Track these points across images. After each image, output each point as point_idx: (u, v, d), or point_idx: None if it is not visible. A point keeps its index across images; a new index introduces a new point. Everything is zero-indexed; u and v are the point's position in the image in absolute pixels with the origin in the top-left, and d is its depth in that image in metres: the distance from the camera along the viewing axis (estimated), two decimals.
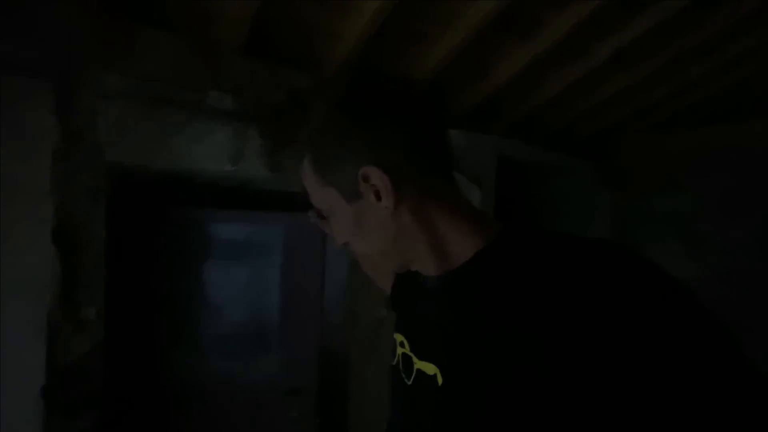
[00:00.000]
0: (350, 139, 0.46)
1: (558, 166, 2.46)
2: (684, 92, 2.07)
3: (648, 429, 0.36)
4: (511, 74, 1.68)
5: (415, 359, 0.54)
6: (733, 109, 2.25)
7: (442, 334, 0.50)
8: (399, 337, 0.59)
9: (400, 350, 0.58)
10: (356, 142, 0.46)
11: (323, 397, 1.61)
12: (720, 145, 2.27)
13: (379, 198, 0.45)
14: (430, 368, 0.50)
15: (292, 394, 1.52)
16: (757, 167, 2.15)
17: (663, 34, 1.58)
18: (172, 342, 1.33)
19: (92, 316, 1.04)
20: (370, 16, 1.23)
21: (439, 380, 0.49)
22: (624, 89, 1.96)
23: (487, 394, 0.43)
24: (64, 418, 1.01)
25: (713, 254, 2.24)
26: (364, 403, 1.57)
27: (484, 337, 0.45)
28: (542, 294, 0.41)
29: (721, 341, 0.37)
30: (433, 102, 0.50)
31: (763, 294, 2.10)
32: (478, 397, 0.44)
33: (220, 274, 1.45)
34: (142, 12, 1.11)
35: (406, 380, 0.54)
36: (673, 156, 2.42)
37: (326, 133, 0.48)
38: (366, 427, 1.57)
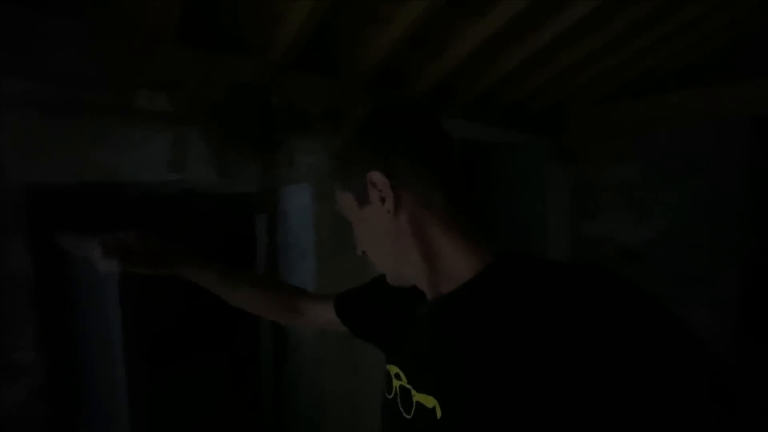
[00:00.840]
0: (364, 148, 0.53)
1: (513, 143, 2.50)
2: (629, 64, 2.14)
3: None
4: (466, 53, 1.64)
5: (413, 392, 0.52)
6: (675, 78, 2.37)
7: (438, 364, 0.50)
8: (393, 369, 0.57)
9: (396, 383, 0.56)
10: (367, 150, 0.53)
11: None
12: (663, 114, 2.40)
13: (383, 202, 0.51)
14: (429, 401, 0.49)
15: None
16: (697, 133, 2.30)
17: (609, 8, 1.60)
18: None
19: (28, 358, 0.91)
20: None
21: (438, 413, 0.48)
22: (572, 63, 1.99)
23: (486, 425, 0.43)
24: None
25: (658, 218, 2.40)
26: None
27: (480, 366, 0.45)
28: (535, 321, 0.42)
29: (689, 349, 0.40)
30: (440, 126, 0.55)
31: (701, 247, 2.30)
32: (477, 429, 0.44)
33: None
34: None
35: (405, 414, 0.53)
36: (619, 127, 2.53)
37: (346, 143, 0.55)
38: None
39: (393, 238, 0.53)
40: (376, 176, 0.51)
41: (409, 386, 0.54)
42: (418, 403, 0.51)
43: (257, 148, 1.26)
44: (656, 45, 1.99)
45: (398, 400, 0.55)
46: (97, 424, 0.96)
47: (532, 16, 1.57)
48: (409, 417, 0.52)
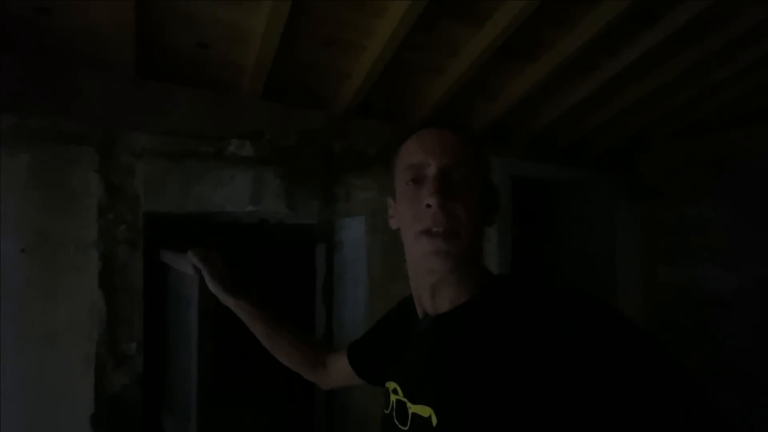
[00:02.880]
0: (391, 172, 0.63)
1: (575, 181, 2.42)
2: (703, 98, 2.01)
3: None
4: (518, 96, 1.71)
5: (409, 404, 0.56)
6: (756, 113, 2.15)
7: (435, 375, 0.54)
8: (391, 385, 0.61)
9: (393, 397, 0.60)
10: (392, 174, 0.63)
11: None
12: (749, 149, 2.17)
13: (390, 221, 0.62)
14: (424, 410, 0.53)
15: None
16: None
17: (675, 43, 1.57)
18: None
19: (132, 350, 1.14)
20: (377, 54, 1.31)
21: (434, 421, 0.51)
22: (638, 99, 1.93)
23: (480, 428, 0.47)
24: None
25: (748, 263, 2.12)
26: None
27: (474, 374, 0.50)
28: (524, 332, 0.48)
29: (658, 354, 0.45)
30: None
31: None
32: None
33: None
34: (170, 70, 1.24)
35: (401, 426, 0.56)
36: (696, 163, 2.33)
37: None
38: None
39: (405, 249, 0.60)
40: (390, 201, 0.63)
41: (404, 399, 0.57)
42: (413, 414, 0.54)
43: (320, 185, 1.46)
44: (736, 77, 1.86)
45: (394, 413, 0.58)
46: (176, 415, 1.15)
47: (589, 56, 1.60)
48: (405, 428, 0.55)
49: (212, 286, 0.86)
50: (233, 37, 1.20)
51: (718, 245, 2.22)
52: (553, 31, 1.44)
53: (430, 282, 0.57)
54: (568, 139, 2.24)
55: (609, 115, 2.06)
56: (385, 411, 0.61)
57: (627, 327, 0.46)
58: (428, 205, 0.52)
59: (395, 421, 0.57)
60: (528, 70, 1.62)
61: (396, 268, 1.52)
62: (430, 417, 0.52)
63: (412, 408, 0.55)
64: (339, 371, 0.83)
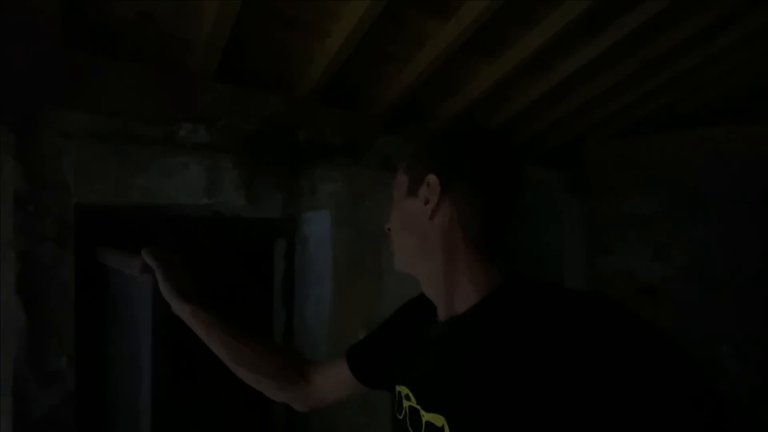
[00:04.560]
0: (439, 154, 0.58)
1: (527, 177, 2.53)
2: (644, 101, 2.19)
3: None
4: (480, 91, 1.73)
5: (422, 412, 0.54)
6: (694, 114, 2.40)
7: (448, 383, 0.52)
8: (404, 390, 0.59)
9: (406, 403, 0.58)
10: (444, 156, 0.57)
11: None
12: (681, 149, 2.41)
13: (426, 203, 0.56)
14: (438, 419, 0.51)
15: None
16: (714, 169, 2.30)
17: (624, 48, 1.68)
18: None
19: (62, 366, 0.98)
20: (342, 40, 1.24)
21: (447, 431, 0.49)
22: (587, 100, 2.06)
23: None
24: None
25: (677, 255, 2.36)
26: None
27: (488, 384, 0.48)
28: (539, 341, 0.46)
29: (679, 364, 0.44)
30: (517, 165, 0.58)
31: (725, 288, 2.24)
32: None
33: None
34: (105, 43, 1.08)
35: None
36: (635, 161, 2.55)
37: (437, 138, 0.61)
38: None
39: (421, 239, 0.57)
40: (434, 180, 0.55)
41: (418, 406, 0.55)
42: (427, 422, 0.52)
43: (282, 177, 1.36)
44: (670, 84, 2.05)
45: (407, 420, 0.56)
46: None
47: (544, 58, 1.66)
48: None
49: (165, 291, 0.73)
50: (182, 9, 1.08)
51: (650, 237, 2.45)
52: (517, 29, 1.47)
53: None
54: (522, 136, 2.33)
55: (559, 115, 2.17)
56: (398, 416, 0.59)
57: (647, 332, 0.45)
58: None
59: (409, 428, 0.56)
60: (490, 65, 1.64)
61: (362, 264, 1.47)
62: (443, 427, 0.50)
63: (426, 416, 0.53)
64: (329, 381, 0.73)
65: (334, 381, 0.73)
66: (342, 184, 1.49)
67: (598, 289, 2.57)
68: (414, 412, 0.55)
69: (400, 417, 0.58)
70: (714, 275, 2.25)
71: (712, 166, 2.29)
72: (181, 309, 0.73)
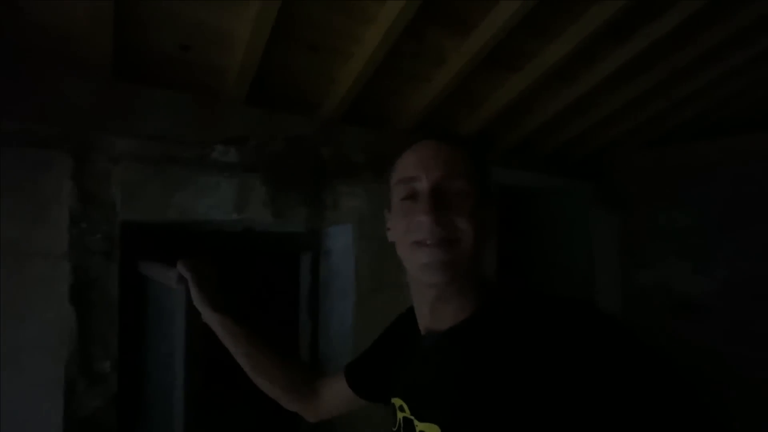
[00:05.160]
0: (483, 170, 0.59)
1: (554, 188, 2.49)
2: (677, 108, 2.12)
3: None
4: (501, 104, 1.75)
5: (416, 422, 0.55)
6: (727, 122, 2.29)
7: (441, 393, 0.53)
8: (398, 402, 0.60)
9: (400, 414, 0.59)
10: (484, 174, 0.59)
11: None
12: (717, 158, 2.30)
13: (388, 230, 0.59)
14: (432, 429, 0.52)
15: None
16: (754, 178, 2.18)
17: (652, 56, 1.65)
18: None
19: (107, 369, 1.07)
20: (365, 61, 1.30)
21: None
22: (614, 110, 2.02)
23: None
24: None
25: (719, 267, 2.23)
26: None
27: (481, 392, 0.49)
28: (529, 348, 0.47)
29: (665, 373, 0.45)
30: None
31: None
32: None
33: None
34: (149, 73, 1.19)
35: None
36: (670, 171, 2.44)
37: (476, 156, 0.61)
38: None
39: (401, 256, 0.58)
40: (387, 213, 0.61)
41: (411, 417, 0.56)
42: None
43: (307, 193, 1.42)
44: (701, 92, 1.97)
45: (401, 431, 0.57)
46: None
47: (568, 68, 1.66)
48: None
49: (197, 300, 0.80)
50: (217, 41, 1.17)
51: (689, 249, 2.33)
52: (536, 43, 1.48)
53: (430, 296, 0.56)
54: (547, 148, 2.31)
55: (585, 125, 2.13)
56: (393, 429, 0.60)
57: (634, 341, 0.46)
58: (421, 221, 0.53)
59: None
60: (511, 80, 1.65)
61: (384, 277, 1.50)
62: None
63: (419, 426, 0.54)
64: (334, 396, 0.78)
65: (337, 395, 0.77)
66: (364, 198, 1.54)
67: (632, 303, 2.46)
68: (408, 423, 0.56)
69: (395, 429, 0.59)
70: (761, 289, 2.10)
71: (753, 173, 2.17)
72: (210, 318, 0.79)
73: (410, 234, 0.54)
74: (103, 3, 0.92)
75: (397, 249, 0.58)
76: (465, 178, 0.55)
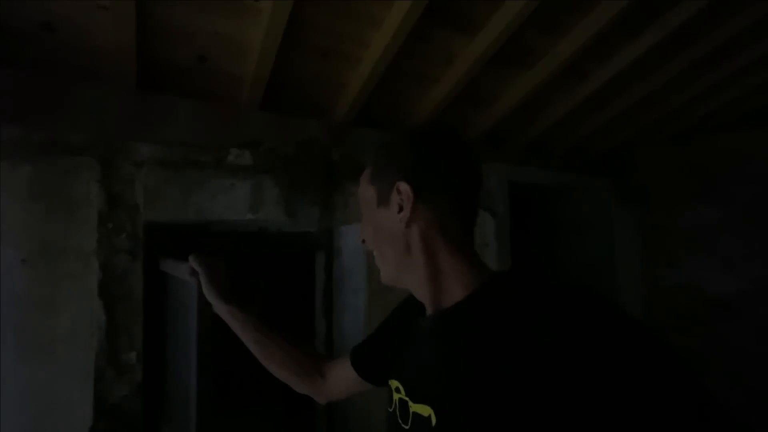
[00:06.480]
0: (404, 159, 0.58)
1: (572, 186, 2.44)
2: (697, 102, 2.04)
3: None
4: (513, 103, 1.74)
5: (410, 403, 0.56)
6: (756, 114, 2.18)
7: (435, 374, 0.54)
8: (394, 383, 0.62)
9: (396, 396, 0.60)
10: (407, 163, 0.57)
11: None
12: (745, 150, 2.20)
13: (400, 211, 0.56)
14: (425, 410, 0.53)
15: None
16: None
17: (668, 48, 1.60)
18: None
19: (132, 360, 1.14)
20: (373, 65, 1.33)
21: (433, 421, 0.51)
22: (632, 105, 1.96)
23: (478, 429, 0.47)
24: None
25: (750, 265, 2.13)
26: None
27: (473, 374, 0.49)
28: (526, 333, 0.46)
29: (667, 359, 0.44)
30: (475, 159, 0.60)
31: None
32: None
33: None
34: (169, 82, 1.27)
35: (403, 425, 0.57)
36: (695, 166, 2.35)
37: (394, 145, 0.61)
38: None
39: (401, 249, 0.57)
40: (405, 187, 0.55)
41: (406, 398, 0.57)
42: (414, 413, 0.55)
43: (318, 193, 1.47)
44: (726, 83, 1.89)
45: (397, 412, 0.58)
46: (174, 425, 1.14)
47: (581, 64, 1.63)
48: (407, 427, 0.56)
49: (207, 292, 0.85)
50: (232, 50, 1.23)
51: (716, 247, 2.23)
52: (545, 40, 1.48)
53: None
54: (563, 145, 2.27)
55: (603, 121, 2.09)
56: (389, 409, 0.62)
57: (631, 325, 0.45)
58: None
59: (398, 419, 0.58)
60: (522, 77, 1.65)
61: None
62: (429, 417, 0.52)
63: (413, 407, 0.55)
64: (340, 379, 0.81)
65: (343, 378, 0.80)
66: None
67: (658, 303, 2.37)
68: (403, 404, 0.58)
69: (390, 410, 0.61)
70: None
71: None
72: (220, 308, 0.85)
73: None
74: (126, 20, 1.00)
75: None
76: (366, 182, 0.62)
